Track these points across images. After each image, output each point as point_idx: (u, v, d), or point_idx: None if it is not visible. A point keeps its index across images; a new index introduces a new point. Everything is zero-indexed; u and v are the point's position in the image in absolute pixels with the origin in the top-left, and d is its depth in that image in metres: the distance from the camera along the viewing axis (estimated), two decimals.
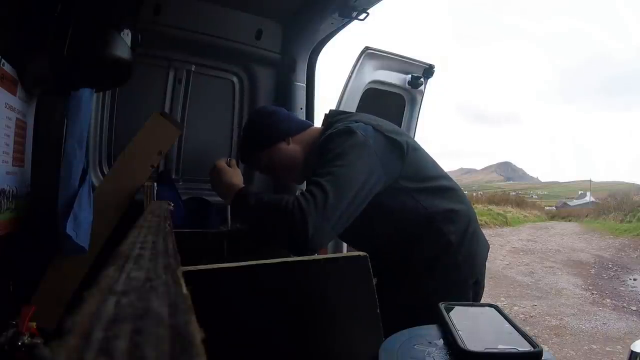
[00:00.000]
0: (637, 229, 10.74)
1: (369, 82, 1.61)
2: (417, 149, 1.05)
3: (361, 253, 0.69)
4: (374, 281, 0.70)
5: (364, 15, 1.37)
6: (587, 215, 18.09)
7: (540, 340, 3.51)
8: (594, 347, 3.48)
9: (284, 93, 1.58)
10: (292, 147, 1.11)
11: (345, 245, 1.51)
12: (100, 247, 1.04)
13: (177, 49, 1.42)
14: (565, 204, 34.36)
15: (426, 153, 1.09)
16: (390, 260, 1.01)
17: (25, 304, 0.84)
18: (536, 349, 0.47)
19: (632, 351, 0.89)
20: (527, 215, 19.38)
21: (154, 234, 0.34)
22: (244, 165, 1.39)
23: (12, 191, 0.92)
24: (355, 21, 1.40)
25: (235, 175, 1.04)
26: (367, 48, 1.57)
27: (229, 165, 1.07)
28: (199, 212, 1.38)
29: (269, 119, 1.14)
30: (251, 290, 0.61)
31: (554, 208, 29.18)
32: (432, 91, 1.76)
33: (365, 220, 0.94)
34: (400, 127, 1.72)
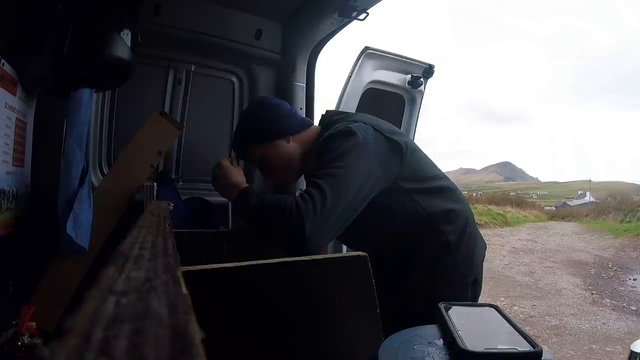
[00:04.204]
0: (637, 229, 10.73)
1: (369, 82, 1.61)
2: (415, 149, 1.05)
3: (361, 253, 0.69)
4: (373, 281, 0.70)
5: (363, 15, 1.37)
6: (586, 215, 18.08)
7: (540, 340, 3.51)
8: (594, 347, 3.48)
9: (283, 93, 1.58)
10: (292, 146, 1.09)
11: (345, 245, 1.51)
12: (100, 247, 1.04)
13: (177, 49, 1.42)
14: (565, 203, 34.36)
15: (424, 154, 1.09)
16: (389, 261, 1.01)
17: (25, 304, 0.84)
18: (536, 349, 0.47)
19: (632, 351, 0.89)
20: (527, 215, 19.38)
21: (153, 234, 0.34)
22: (244, 164, 1.39)
23: (12, 191, 0.92)
24: (355, 21, 1.40)
25: (239, 175, 1.04)
26: (367, 48, 1.57)
27: (232, 164, 1.07)
28: (199, 212, 1.38)
29: (271, 113, 1.09)
30: (251, 290, 0.61)
31: (554, 208, 29.18)
32: (431, 92, 1.77)
33: (364, 221, 0.94)
34: (400, 127, 1.72)
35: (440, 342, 0.52)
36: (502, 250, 8.70)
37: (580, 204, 29.40)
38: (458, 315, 0.56)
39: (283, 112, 1.11)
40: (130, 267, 0.21)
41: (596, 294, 5.29)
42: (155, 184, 1.11)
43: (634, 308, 4.60)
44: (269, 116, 1.09)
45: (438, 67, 1.70)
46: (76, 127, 0.98)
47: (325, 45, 1.61)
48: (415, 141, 1.15)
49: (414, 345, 0.52)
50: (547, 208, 28.39)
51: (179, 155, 1.52)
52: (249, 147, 1.11)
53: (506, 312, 0.59)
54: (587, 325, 4.02)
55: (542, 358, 0.46)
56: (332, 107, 1.52)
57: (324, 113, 1.16)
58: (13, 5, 0.89)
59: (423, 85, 1.72)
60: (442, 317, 0.55)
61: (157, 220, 0.47)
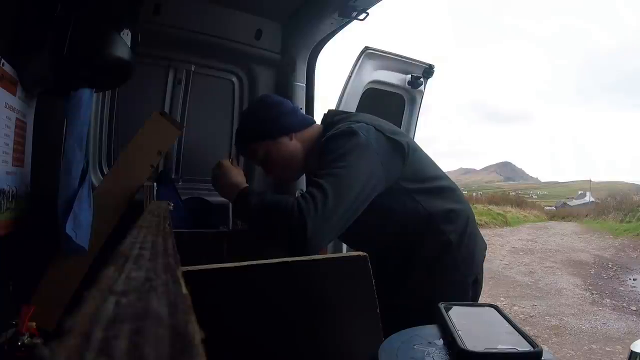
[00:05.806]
0: (637, 229, 10.73)
1: (369, 82, 1.61)
2: (416, 149, 1.06)
3: (361, 253, 0.69)
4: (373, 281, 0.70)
5: (363, 15, 1.37)
6: (586, 215, 18.08)
7: (540, 340, 3.51)
8: (594, 347, 3.48)
9: (283, 93, 1.58)
10: (294, 144, 1.09)
11: (345, 245, 1.51)
12: (100, 247, 1.04)
13: (177, 49, 1.42)
14: (565, 203, 34.35)
15: (425, 154, 1.09)
16: (389, 261, 1.01)
17: (25, 304, 0.84)
18: (536, 349, 0.47)
19: (632, 351, 0.89)
20: (527, 215, 19.39)
21: (153, 234, 0.34)
22: (245, 164, 1.39)
23: (12, 191, 0.92)
24: (355, 21, 1.40)
25: (239, 175, 1.04)
26: (366, 48, 1.57)
27: (232, 164, 1.07)
28: (199, 212, 1.38)
29: (274, 111, 1.10)
30: (251, 290, 0.61)
31: (554, 208, 29.17)
32: (432, 92, 1.77)
33: (365, 221, 0.94)
34: (400, 127, 1.72)
35: (440, 342, 0.52)
36: (502, 250, 8.70)
37: (580, 204, 29.39)
38: (458, 315, 0.56)
39: (285, 110, 1.11)
40: (130, 267, 0.21)
41: (596, 294, 5.29)
42: (155, 184, 1.11)
43: (634, 308, 4.60)
44: (271, 114, 1.09)
45: (438, 67, 1.70)
46: (76, 127, 0.98)
47: (325, 45, 1.62)
48: (415, 141, 1.15)
49: (414, 345, 0.52)
50: (547, 208, 28.38)
51: (179, 155, 1.52)
52: (251, 144, 1.12)
53: (506, 312, 0.59)
54: (587, 325, 4.02)
55: (542, 358, 0.46)
56: (332, 107, 1.53)
57: (325, 112, 1.16)
58: (13, 5, 0.89)
59: (423, 85, 1.72)
60: (442, 317, 0.55)
61: (157, 220, 0.47)
